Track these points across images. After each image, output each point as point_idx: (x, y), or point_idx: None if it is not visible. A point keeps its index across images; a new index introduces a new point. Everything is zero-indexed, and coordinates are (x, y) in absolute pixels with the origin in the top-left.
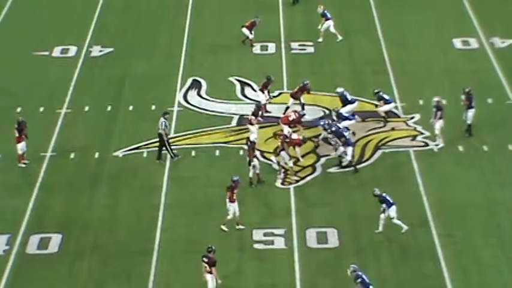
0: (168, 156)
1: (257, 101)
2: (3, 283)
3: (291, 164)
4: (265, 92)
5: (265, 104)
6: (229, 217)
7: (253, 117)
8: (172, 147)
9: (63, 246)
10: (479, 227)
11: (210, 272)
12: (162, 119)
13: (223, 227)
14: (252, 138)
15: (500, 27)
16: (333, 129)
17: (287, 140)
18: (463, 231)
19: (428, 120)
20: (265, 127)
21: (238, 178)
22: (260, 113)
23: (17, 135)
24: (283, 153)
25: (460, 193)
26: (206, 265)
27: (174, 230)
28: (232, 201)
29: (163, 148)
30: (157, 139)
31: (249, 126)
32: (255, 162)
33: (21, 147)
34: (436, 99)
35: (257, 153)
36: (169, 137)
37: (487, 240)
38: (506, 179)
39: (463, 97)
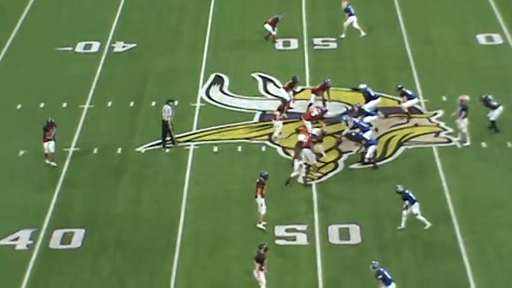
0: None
1: (280, 97)
2: (27, 277)
3: (314, 161)
4: (290, 92)
5: (288, 102)
6: (262, 212)
7: (278, 113)
8: (189, 140)
9: (86, 241)
10: (503, 224)
11: (260, 269)
12: (167, 106)
13: (260, 226)
14: (300, 138)
15: None
16: (353, 134)
17: (314, 140)
18: (486, 227)
19: (451, 116)
20: (287, 123)
21: (267, 173)
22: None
23: (43, 134)
24: (307, 150)
25: (483, 189)
26: (255, 261)
27: (197, 226)
28: (262, 196)
29: (168, 135)
30: (167, 129)
31: (274, 122)
32: (298, 163)
33: (46, 146)
34: (462, 97)
35: (279, 149)
36: (173, 124)
37: (510, 236)
38: None
39: (482, 103)
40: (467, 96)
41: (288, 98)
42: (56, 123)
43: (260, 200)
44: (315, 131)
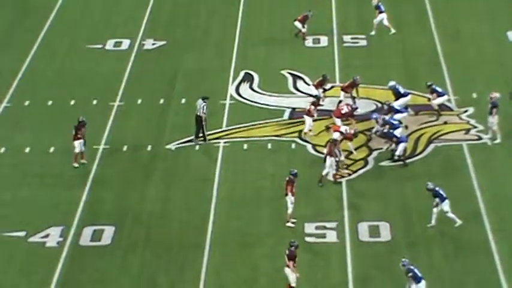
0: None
1: (310, 94)
2: (57, 274)
3: (342, 157)
4: (320, 89)
5: (318, 99)
6: (290, 211)
7: (312, 107)
8: (219, 137)
9: (116, 239)
10: None
11: (288, 266)
12: (202, 102)
13: (289, 224)
14: (335, 136)
15: None
16: (384, 132)
17: (342, 137)
18: None
19: (481, 113)
20: (317, 120)
21: (297, 171)
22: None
23: (73, 133)
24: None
25: None
26: (286, 258)
27: (226, 223)
28: (293, 194)
29: (201, 131)
30: (201, 125)
31: (305, 117)
32: (330, 160)
33: (76, 145)
34: (492, 95)
35: (309, 146)
36: (207, 120)
37: None
38: None
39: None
40: (498, 94)
41: (317, 95)
42: (86, 122)
43: (290, 198)
44: (344, 129)
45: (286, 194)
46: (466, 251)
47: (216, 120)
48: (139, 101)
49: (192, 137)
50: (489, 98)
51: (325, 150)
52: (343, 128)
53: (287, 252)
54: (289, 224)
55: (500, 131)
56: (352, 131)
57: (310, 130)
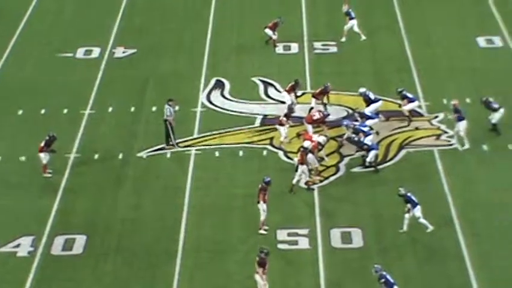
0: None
1: (281, 101)
2: (29, 284)
3: (317, 164)
4: (292, 94)
5: (291, 111)
6: (262, 218)
7: (284, 118)
8: (190, 145)
9: (88, 248)
10: (504, 226)
11: (258, 273)
12: (166, 106)
13: (262, 231)
14: (305, 145)
15: None
16: (355, 139)
17: (320, 148)
18: (488, 230)
19: (452, 119)
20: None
21: (270, 179)
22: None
23: (42, 145)
24: (310, 155)
25: (485, 192)
26: (256, 265)
27: (198, 231)
28: (265, 201)
29: (172, 134)
30: (167, 130)
31: (278, 127)
32: (302, 169)
33: (43, 156)
34: (453, 102)
35: (281, 153)
36: (174, 123)
37: None
38: None
39: (483, 105)
40: (457, 100)
41: (289, 102)
42: (56, 137)
43: (262, 206)
44: (321, 139)
45: (258, 202)
46: (438, 257)
47: (188, 127)
48: (110, 109)
49: (164, 145)
50: (451, 106)
51: (296, 158)
52: (321, 139)
53: (257, 258)
54: (261, 231)
55: (467, 136)
56: (322, 139)
57: (286, 137)
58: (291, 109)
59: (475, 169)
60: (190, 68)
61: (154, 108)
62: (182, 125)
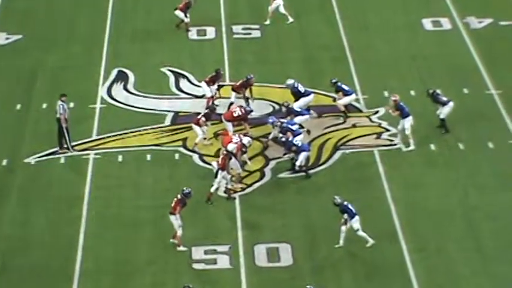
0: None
1: (196, 95)
2: None
3: (239, 170)
4: (212, 86)
5: (210, 98)
6: (179, 233)
7: (203, 119)
8: (88, 148)
9: None
10: (454, 239)
11: None
12: (59, 102)
13: (181, 248)
14: (230, 148)
15: (475, 4)
16: (283, 139)
17: (244, 150)
18: (436, 243)
19: (394, 116)
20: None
21: (190, 190)
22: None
23: None
24: (233, 160)
25: (432, 199)
26: None
27: (99, 249)
28: (173, 213)
29: (66, 136)
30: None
31: (194, 127)
32: (222, 175)
33: None
34: (393, 98)
35: (195, 156)
36: (68, 123)
37: (464, 253)
38: (485, 181)
39: (430, 98)
40: (397, 96)
41: (209, 93)
42: None
43: (177, 220)
44: (246, 140)
45: (173, 214)
46: (380, 274)
47: (85, 127)
48: None
49: (57, 148)
50: (392, 102)
51: (214, 163)
52: (245, 140)
53: None
54: (180, 248)
55: (412, 135)
56: (246, 140)
57: (205, 138)
58: (212, 109)
59: (421, 172)
60: (87, 57)
61: (44, 106)
62: (79, 124)
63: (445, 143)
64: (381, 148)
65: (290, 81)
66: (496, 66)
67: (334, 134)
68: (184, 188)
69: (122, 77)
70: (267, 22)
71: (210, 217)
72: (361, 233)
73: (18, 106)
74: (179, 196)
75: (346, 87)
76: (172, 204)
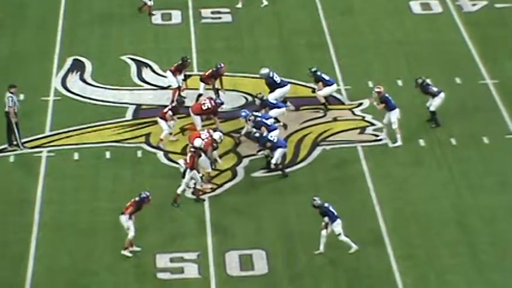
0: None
1: (160, 86)
2: None
3: (209, 169)
4: (179, 76)
5: (177, 89)
6: (130, 235)
7: (170, 113)
8: (40, 145)
9: None
10: (448, 244)
11: None
12: (7, 94)
13: (125, 252)
14: (196, 143)
15: None
16: (256, 135)
17: (214, 145)
18: (426, 249)
19: (379, 109)
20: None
21: (148, 195)
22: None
23: None
24: (203, 157)
25: (421, 200)
26: None
27: (53, 257)
28: (130, 217)
29: (15, 132)
30: (14, 129)
31: (160, 121)
32: (191, 174)
33: None
34: (377, 89)
35: (160, 154)
36: (18, 117)
37: (457, 260)
38: (480, 180)
39: (419, 89)
40: (381, 88)
41: (175, 84)
42: None
43: (128, 221)
44: (217, 136)
45: (123, 214)
46: (364, 284)
47: (37, 122)
48: None
49: (5, 145)
50: (375, 94)
51: (181, 161)
52: (216, 135)
53: None
54: (125, 253)
55: (400, 130)
56: (217, 135)
57: (170, 133)
58: (181, 102)
59: (409, 171)
60: (38, 44)
61: None
62: (30, 119)
63: (435, 139)
64: (365, 144)
65: (264, 71)
66: (491, 54)
67: (314, 128)
68: (142, 192)
69: (77, 66)
70: (239, 5)
71: (176, 221)
72: (343, 237)
73: None
74: (137, 198)
75: (326, 77)
76: (127, 204)
